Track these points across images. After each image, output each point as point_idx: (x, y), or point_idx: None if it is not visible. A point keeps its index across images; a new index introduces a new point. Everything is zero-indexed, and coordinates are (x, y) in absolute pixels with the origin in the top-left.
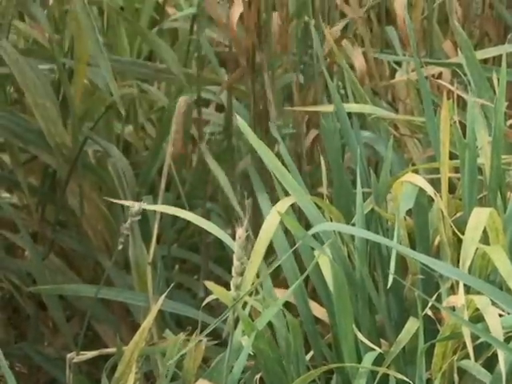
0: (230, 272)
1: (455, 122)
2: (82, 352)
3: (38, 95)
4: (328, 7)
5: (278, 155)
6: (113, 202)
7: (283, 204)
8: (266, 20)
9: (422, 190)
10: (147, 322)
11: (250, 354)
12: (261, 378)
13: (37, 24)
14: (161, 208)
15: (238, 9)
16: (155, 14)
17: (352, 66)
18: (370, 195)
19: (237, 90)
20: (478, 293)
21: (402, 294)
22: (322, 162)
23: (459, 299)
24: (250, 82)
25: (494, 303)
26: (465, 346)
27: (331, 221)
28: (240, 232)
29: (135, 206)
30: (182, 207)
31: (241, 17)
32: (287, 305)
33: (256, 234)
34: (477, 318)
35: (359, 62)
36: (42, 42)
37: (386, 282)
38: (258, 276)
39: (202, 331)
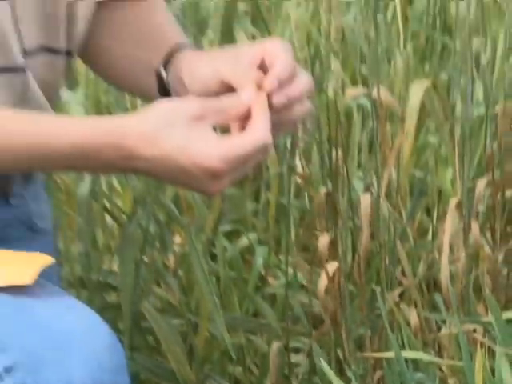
0: None
1: (487, 367)
2: None
3: (171, 344)
4: (390, 278)
5: None
6: None
7: None
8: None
9: None
10: None
11: None
12: None
13: (170, 289)
14: None
15: (324, 281)
16: (259, 281)
17: (408, 322)
18: None
19: (321, 340)
20: None
21: None
22: None
23: None
24: (332, 336)
25: None
26: None
27: None
28: None
29: None
30: None
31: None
32: None
33: None
34: None
35: (414, 320)
36: (173, 303)
37: None
38: None
39: None
